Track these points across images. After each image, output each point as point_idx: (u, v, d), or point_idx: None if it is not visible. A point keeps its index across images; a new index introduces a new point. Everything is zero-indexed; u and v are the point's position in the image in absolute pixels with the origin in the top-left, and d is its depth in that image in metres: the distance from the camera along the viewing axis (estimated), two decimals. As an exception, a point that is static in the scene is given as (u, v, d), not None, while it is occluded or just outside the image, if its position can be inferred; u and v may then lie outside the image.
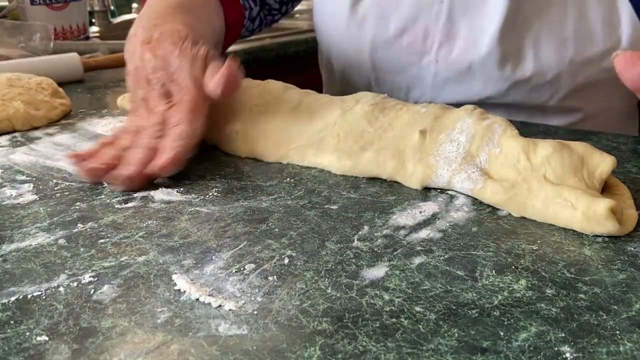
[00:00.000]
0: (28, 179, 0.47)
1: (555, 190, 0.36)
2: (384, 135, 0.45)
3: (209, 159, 0.50)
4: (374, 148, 0.45)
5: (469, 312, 0.28)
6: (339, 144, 0.46)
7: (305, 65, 0.81)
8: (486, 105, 0.63)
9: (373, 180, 0.44)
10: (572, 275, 0.30)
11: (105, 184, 0.45)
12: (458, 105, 0.47)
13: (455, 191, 0.41)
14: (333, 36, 0.71)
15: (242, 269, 0.32)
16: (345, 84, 0.74)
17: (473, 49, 0.60)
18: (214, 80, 0.45)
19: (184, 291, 0.30)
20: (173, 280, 0.31)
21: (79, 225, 0.38)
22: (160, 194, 0.43)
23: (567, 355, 0.25)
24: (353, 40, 0.67)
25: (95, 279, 0.32)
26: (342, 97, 0.51)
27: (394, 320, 0.27)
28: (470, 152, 0.41)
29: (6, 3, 1.25)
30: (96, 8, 1.53)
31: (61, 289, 0.31)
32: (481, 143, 0.41)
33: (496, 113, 0.64)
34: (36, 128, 0.61)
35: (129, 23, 1.76)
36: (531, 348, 0.25)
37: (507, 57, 0.59)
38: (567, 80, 0.59)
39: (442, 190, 0.42)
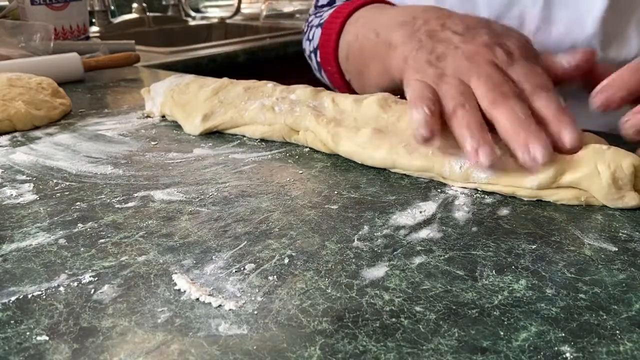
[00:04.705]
0: (28, 178, 0.47)
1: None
2: (397, 124, 0.47)
3: (208, 159, 0.50)
4: (389, 136, 0.46)
5: (469, 312, 0.28)
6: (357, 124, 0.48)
7: (306, 66, 0.81)
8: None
9: (373, 180, 0.44)
10: (572, 275, 0.31)
11: (105, 183, 0.45)
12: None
13: (456, 190, 0.41)
14: None
15: (242, 268, 0.32)
16: None
17: (574, 32, 0.58)
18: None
19: (184, 291, 0.30)
20: (173, 280, 0.31)
21: (79, 225, 0.38)
22: (160, 194, 0.43)
23: (567, 355, 0.25)
24: None
25: (96, 278, 0.32)
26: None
27: (394, 320, 0.27)
28: (496, 139, 0.41)
29: (6, 3, 1.25)
30: (96, 8, 1.54)
31: (61, 288, 0.31)
32: None
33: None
34: (36, 128, 0.61)
35: (129, 23, 1.76)
36: (531, 348, 0.25)
37: (611, 38, 0.57)
38: None
39: (442, 190, 0.42)
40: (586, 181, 0.38)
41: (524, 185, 0.39)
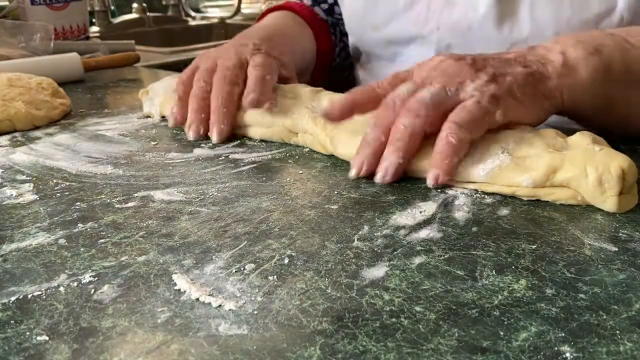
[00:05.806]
0: (28, 178, 0.47)
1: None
2: None
3: (208, 159, 0.50)
4: None
5: (469, 312, 0.28)
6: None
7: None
8: None
9: (373, 179, 0.44)
10: (572, 275, 0.30)
11: (105, 183, 0.45)
12: None
13: (456, 190, 0.41)
14: (354, 20, 0.77)
15: (242, 268, 0.32)
16: (372, 66, 0.79)
17: (471, 11, 0.63)
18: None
19: (184, 291, 0.30)
20: (173, 280, 0.31)
21: (79, 225, 0.38)
22: (160, 194, 0.43)
23: (567, 355, 0.25)
24: (370, 19, 0.72)
25: (96, 278, 0.32)
26: None
27: (394, 320, 0.27)
28: (496, 139, 0.42)
29: (6, 3, 1.25)
30: (96, 8, 1.54)
31: (61, 288, 0.31)
32: (509, 139, 0.42)
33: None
34: (36, 128, 0.61)
35: (129, 23, 1.76)
36: (531, 348, 0.25)
37: (504, 17, 0.61)
38: None
39: (442, 190, 0.42)
40: (575, 181, 0.38)
41: (520, 184, 0.39)
